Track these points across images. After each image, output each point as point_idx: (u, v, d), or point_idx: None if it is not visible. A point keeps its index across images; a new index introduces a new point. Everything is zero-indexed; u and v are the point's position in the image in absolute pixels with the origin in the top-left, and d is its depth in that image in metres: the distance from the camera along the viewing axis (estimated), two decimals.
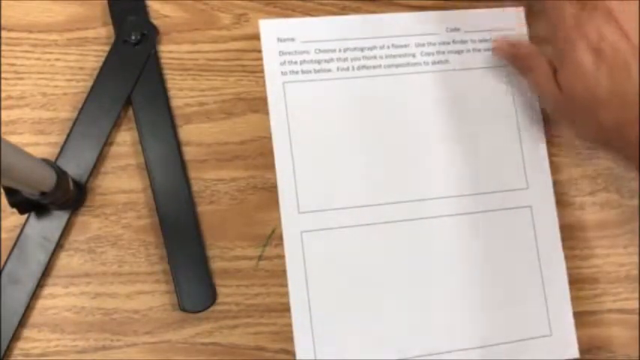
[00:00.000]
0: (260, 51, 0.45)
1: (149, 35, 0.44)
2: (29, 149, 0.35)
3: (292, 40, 0.46)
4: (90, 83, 0.43)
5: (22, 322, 0.40)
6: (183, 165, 0.43)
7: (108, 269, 0.42)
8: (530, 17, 0.49)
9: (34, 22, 0.44)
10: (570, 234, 0.46)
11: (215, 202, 0.43)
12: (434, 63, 0.47)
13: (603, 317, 0.45)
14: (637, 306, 0.46)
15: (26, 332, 0.40)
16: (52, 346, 0.40)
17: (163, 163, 0.43)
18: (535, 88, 0.44)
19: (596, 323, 0.45)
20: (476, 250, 0.44)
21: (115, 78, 0.43)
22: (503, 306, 0.44)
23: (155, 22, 0.45)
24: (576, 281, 0.45)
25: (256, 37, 0.46)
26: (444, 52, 0.47)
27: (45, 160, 0.38)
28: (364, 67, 0.46)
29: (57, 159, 0.41)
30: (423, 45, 0.47)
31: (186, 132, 0.44)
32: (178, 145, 0.43)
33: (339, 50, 0.46)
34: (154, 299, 0.42)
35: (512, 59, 0.45)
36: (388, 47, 0.47)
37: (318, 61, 0.46)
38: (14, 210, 0.38)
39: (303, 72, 0.45)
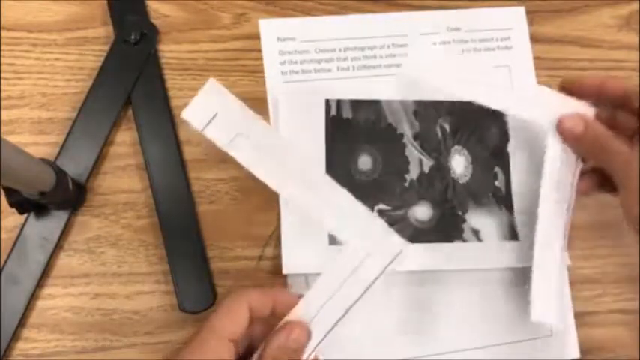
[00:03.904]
0: (260, 51, 0.45)
1: (149, 35, 0.44)
2: (29, 149, 0.35)
3: (292, 39, 0.46)
4: (89, 83, 0.43)
5: (22, 322, 0.40)
6: (183, 165, 0.43)
7: (107, 269, 0.42)
8: (530, 16, 0.49)
9: (34, 21, 0.44)
10: (571, 234, 0.46)
11: (215, 202, 0.43)
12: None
13: (604, 317, 0.45)
14: (637, 306, 0.46)
15: (26, 332, 0.40)
16: (51, 347, 0.40)
17: (163, 163, 0.42)
18: (620, 162, 0.38)
19: (597, 323, 0.45)
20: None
21: (115, 78, 0.43)
22: (505, 306, 0.44)
23: (155, 21, 0.45)
24: (577, 281, 0.45)
25: (256, 36, 0.46)
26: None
27: (45, 160, 0.38)
28: (364, 67, 0.46)
29: (57, 159, 0.41)
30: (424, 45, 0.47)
31: (187, 132, 0.44)
32: (178, 145, 0.43)
33: (339, 50, 0.46)
34: (153, 299, 0.42)
35: (584, 137, 0.39)
36: (388, 47, 0.47)
37: (318, 61, 0.46)
38: (14, 210, 0.38)
39: (303, 72, 0.45)
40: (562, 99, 0.41)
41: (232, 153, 0.36)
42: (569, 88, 0.41)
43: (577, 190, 0.41)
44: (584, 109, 0.40)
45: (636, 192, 0.36)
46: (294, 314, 0.34)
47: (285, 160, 0.37)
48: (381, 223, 0.37)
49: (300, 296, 0.35)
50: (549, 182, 0.40)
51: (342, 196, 0.37)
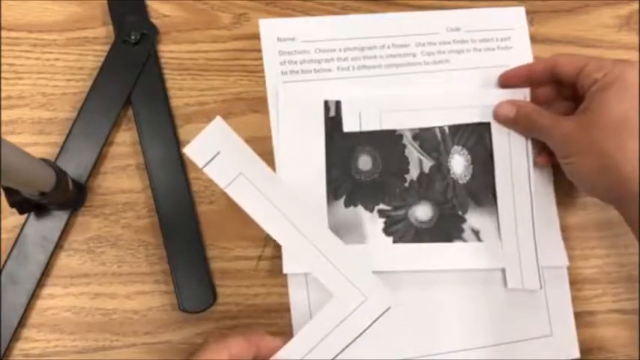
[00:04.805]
0: (260, 51, 0.45)
1: (149, 35, 0.44)
2: (29, 149, 0.35)
3: (292, 39, 0.46)
4: (89, 83, 0.43)
5: (22, 323, 0.40)
6: (183, 165, 0.43)
7: (107, 269, 0.42)
8: (530, 16, 0.49)
9: (33, 21, 0.44)
10: (571, 234, 0.46)
11: (215, 202, 0.43)
12: (434, 63, 0.47)
13: (604, 317, 0.45)
14: (637, 306, 0.46)
15: (26, 332, 0.40)
16: (51, 347, 0.40)
17: (163, 163, 0.42)
18: (547, 132, 0.41)
19: (597, 323, 0.45)
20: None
21: (115, 78, 0.43)
22: (505, 306, 0.44)
23: (155, 21, 0.45)
24: (577, 281, 0.45)
25: (256, 36, 0.46)
26: (444, 52, 0.47)
27: (45, 160, 0.38)
28: (364, 67, 0.46)
29: (57, 159, 0.41)
30: (424, 45, 0.47)
31: (186, 132, 0.44)
32: (178, 145, 0.43)
33: (339, 50, 0.46)
34: (153, 299, 0.42)
35: (517, 119, 0.43)
36: (388, 47, 0.47)
37: (318, 61, 0.46)
38: (14, 210, 0.38)
39: (303, 72, 0.45)
40: (495, 92, 0.45)
41: (231, 193, 0.37)
42: (506, 82, 0.45)
43: (536, 164, 0.44)
44: (518, 93, 0.44)
45: (563, 155, 0.41)
46: (275, 359, 0.35)
47: (284, 206, 0.37)
48: (373, 278, 0.37)
49: (284, 341, 0.36)
50: (501, 165, 0.44)
51: (339, 248, 0.37)
